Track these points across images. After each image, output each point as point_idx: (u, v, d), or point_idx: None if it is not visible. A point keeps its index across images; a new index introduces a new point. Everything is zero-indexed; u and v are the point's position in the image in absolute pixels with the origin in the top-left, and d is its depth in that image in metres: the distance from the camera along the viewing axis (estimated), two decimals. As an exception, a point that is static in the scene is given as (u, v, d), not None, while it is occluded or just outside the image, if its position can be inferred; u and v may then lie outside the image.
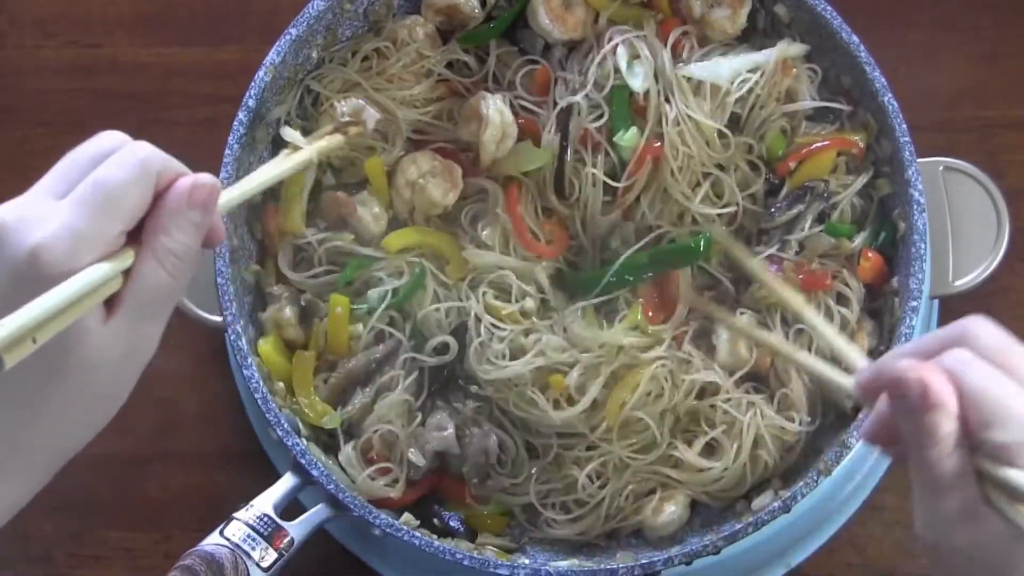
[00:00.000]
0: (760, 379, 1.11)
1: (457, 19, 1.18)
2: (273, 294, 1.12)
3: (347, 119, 1.08)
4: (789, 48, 1.13)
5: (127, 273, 0.70)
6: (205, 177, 0.73)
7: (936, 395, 0.67)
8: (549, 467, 1.13)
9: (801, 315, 1.03)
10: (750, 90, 1.12)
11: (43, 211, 0.68)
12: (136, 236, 0.71)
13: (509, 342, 1.11)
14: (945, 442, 0.68)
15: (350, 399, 1.11)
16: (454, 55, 1.19)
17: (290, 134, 1.01)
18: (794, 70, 1.14)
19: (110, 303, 0.70)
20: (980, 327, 0.71)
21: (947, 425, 0.67)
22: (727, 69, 1.12)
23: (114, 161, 0.70)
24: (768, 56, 1.13)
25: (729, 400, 1.09)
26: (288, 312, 1.11)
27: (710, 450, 1.10)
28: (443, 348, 1.12)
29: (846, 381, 0.81)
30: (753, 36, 1.17)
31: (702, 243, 1.11)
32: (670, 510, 1.08)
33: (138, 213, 0.70)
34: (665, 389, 1.10)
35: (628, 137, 1.11)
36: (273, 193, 1.13)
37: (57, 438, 0.73)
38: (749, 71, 1.12)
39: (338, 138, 1.04)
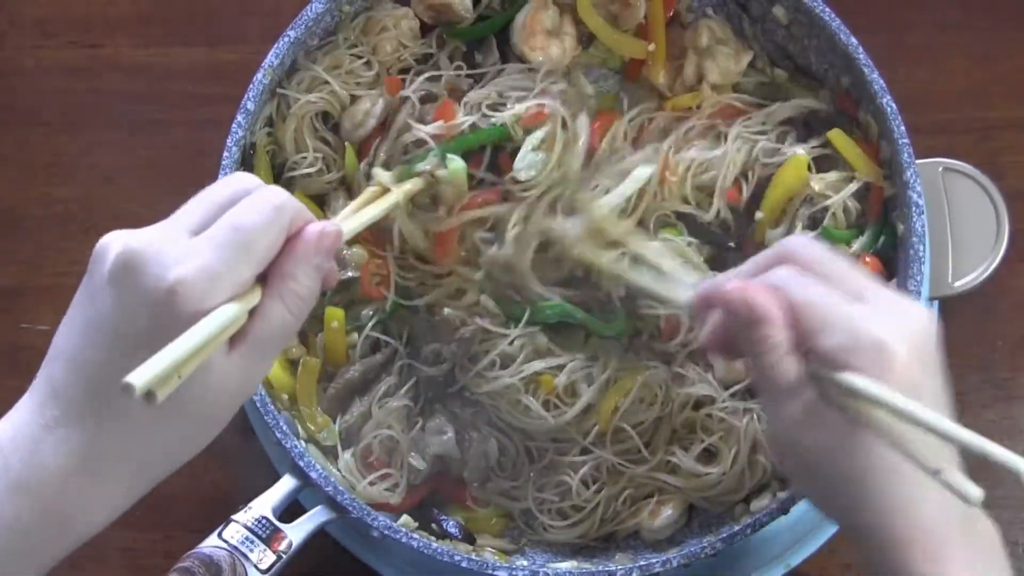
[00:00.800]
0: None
1: (446, 17, 1.18)
2: None
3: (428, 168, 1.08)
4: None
5: (252, 311, 0.74)
6: (331, 225, 0.77)
7: (760, 309, 0.75)
8: (544, 471, 1.13)
9: (634, 247, 1.05)
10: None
11: (182, 248, 0.71)
12: (262, 276, 0.75)
13: (497, 352, 1.11)
14: (777, 351, 0.75)
15: (348, 408, 1.12)
16: (428, 49, 1.19)
17: (381, 174, 1.04)
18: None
19: (233, 338, 0.74)
20: (801, 243, 0.80)
21: (776, 335, 0.75)
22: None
23: (250, 206, 0.73)
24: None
25: (725, 408, 1.09)
26: None
27: (708, 456, 1.10)
28: (437, 356, 1.12)
29: (679, 296, 0.91)
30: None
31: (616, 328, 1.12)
32: (666, 514, 1.09)
33: (270, 257, 0.74)
34: (659, 396, 1.10)
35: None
36: None
37: (164, 457, 0.77)
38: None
39: (420, 182, 1.07)
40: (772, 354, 0.75)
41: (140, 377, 0.64)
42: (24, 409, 0.75)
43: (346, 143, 1.16)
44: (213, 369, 0.72)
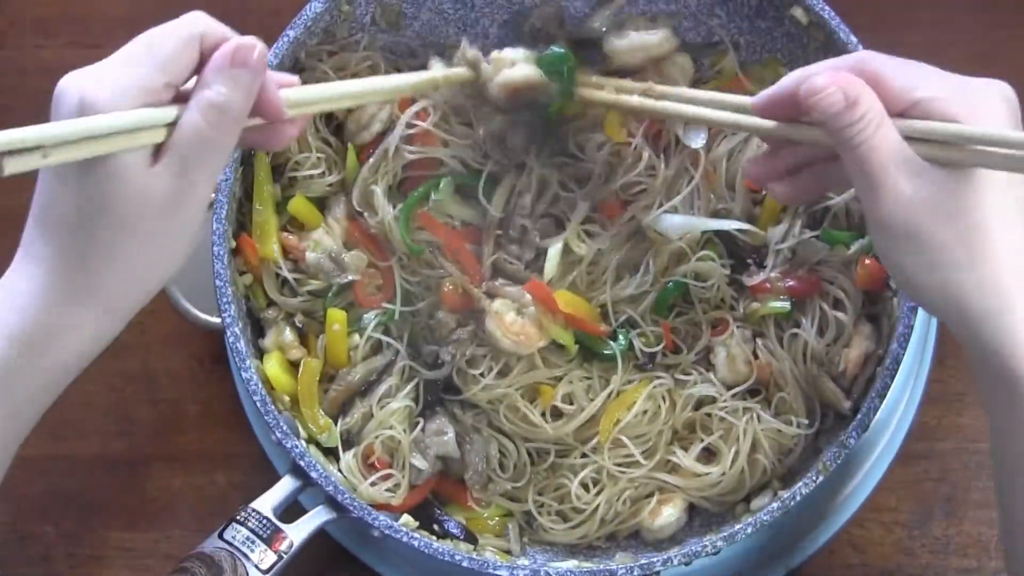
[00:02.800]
0: (757, 385, 1.12)
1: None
2: (268, 319, 1.13)
3: (464, 62, 1.09)
4: None
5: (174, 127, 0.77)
6: (249, 39, 0.79)
7: (855, 88, 0.78)
8: (545, 473, 1.13)
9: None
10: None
11: (99, 67, 0.76)
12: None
13: (492, 359, 1.12)
14: (876, 120, 0.78)
15: (349, 410, 1.12)
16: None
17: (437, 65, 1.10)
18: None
19: (155, 154, 0.77)
20: (871, 53, 0.83)
21: (875, 105, 0.78)
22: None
23: (164, 24, 0.78)
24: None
25: (725, 407, 1.10)
26: (288, 335, 1.12)
27: (708, 456, 1.10)
28: (436, 359, 1.12)
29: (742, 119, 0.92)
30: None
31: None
32: (667, 513, 1.09)
33: (181, 69, 0.78)
34: (662, 409, 1.10)
35: None
36: (244, 226, 1.13)
37: (118, 275, 0.79)
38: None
39: (469, 73, 1.08)
40: (870, 127, 0.77)
41: None
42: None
43: (348, 144, 1.16)
44: (130, 177, 0.75)
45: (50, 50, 1.41)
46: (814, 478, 1.00)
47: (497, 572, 0.99)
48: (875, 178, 0.78)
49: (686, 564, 1.00)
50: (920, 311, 1.04)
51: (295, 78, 0.86)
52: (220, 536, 0.96)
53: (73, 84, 0.75)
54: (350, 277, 1.12)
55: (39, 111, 1.35)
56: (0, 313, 0.78)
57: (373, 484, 1.08)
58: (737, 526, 1.00)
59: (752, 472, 1.08)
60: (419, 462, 1.10)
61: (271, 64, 1.09)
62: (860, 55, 0.82)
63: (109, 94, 0.74)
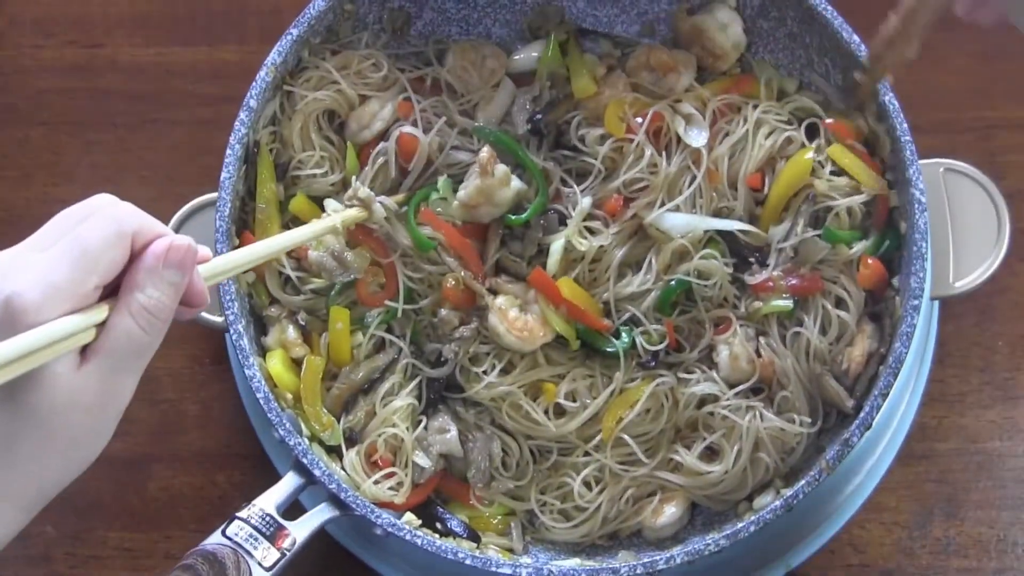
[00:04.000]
0: (759, 384, 1.12)
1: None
2: (271, 316, 1.13)
3: (356, 202, 1.09)
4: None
5: (103, 326, 0.74)
6: (181, 238, 0.76)
7: None
8: (547, 472, 1.13)
9: None
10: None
11: (24, 262, 0.71)
12: (115, 294, 0.75)
13: (495, 356, 1.12)
14: None
15: (353, 408, 1.12)
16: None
17: (332, 205, 1.08)
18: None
19: (85, 353, 0.73)
20: None
21: None
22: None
23: (94, 218, 0.73)
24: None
25: (728, 405, 1.10)
26: (292, 332, 1.11)
27: (710, 455, 1.10)
28: (439, 357, 1.12)
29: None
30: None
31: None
32: (669, 512, 1.09)
33: (113, 269, 0.73)
34: (665, 407, 1.10)
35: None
36: (246, 224, 1.13)
37: (34, 480, 0.75)
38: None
39: (362, 212, 1.08)
40: None
41: None
42: None
43: (348, 143, 1.16)
44: (58, 384, 0.72)
45: (50, 50, 1.41)
46: (817, 477, 1.00)
47: (500, 570, 0.99)
48: None
49: (689, 563, 1.00)
50: (922, 312, 1.04)
51: (206, 252, 0.80)
52: (223, 533, 0.95)
53: None
54: (352, 275, 1.11)
55: (39, 111, 1.37)
56: None
57: (376, 482, 1.08)
58: (739, 524, 1.00)
59: (754, 471, 1.08)
60: (422, 460, 1.10)
61: (275, 63, 1.10)
62: None
63: (40, 297, 0.70)
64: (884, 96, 1.07)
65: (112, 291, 0.74)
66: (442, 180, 1.13)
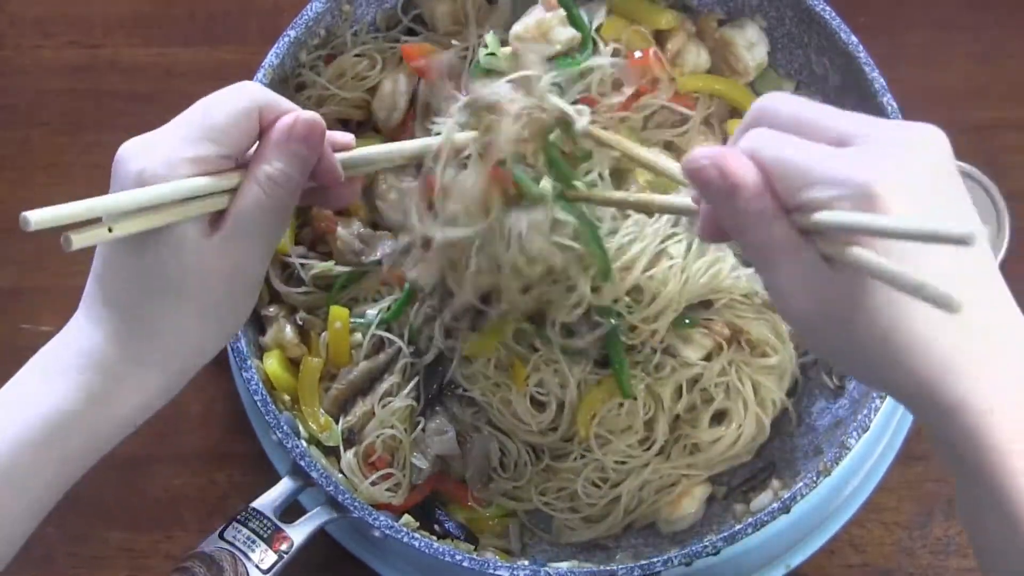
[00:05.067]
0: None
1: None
2: (269, 315, 1.13)
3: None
4: None
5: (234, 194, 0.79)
6: (308, 113, 0.80)
7: (734, 175, 0.66)
8: (544, 473, 1.13)
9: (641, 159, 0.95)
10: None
11: (155, 138, 0.77)
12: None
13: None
14: (762, 219, 0.67)
15: (351, 409, 1.12)
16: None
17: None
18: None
19: (215, 221, 0.78)
20: (773, 100, 0.71)
21: (755, 202, 0.67)
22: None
23: (223, 93, 0.79)
24: None
25: (712, 378, 1.10)
26: (289, 332, 1.12)
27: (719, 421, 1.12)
28: (429, 342, 1.12)
29: (680, 201, 0.84)
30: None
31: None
32: (688, 504, 1.09)
33: (239, 140, 0.78)
34: (640, 399, 1.10)
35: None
36: None
37: (172, 344, 0.80)
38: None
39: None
40: (757, 225, 0.67)
41: (36, 214, 0.67)
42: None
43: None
44: (187, 247, 0.76)
45: (50, 50, 1.41)
46: (815, 478, 1.00)
47: (497, 572, 0.99)
48: (763, 264, 0.70)
49: (686, 564, 1.00)
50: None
51: (350, 138, 0.86)
52: (221, 536, 0.96)
53: (130, 155, 0.76)
54: (378, 255, 1.12)
55: (39, 111, 1.37)
56: (64, 368, 0.78)
57: (374, 484, 1.08)
58: (737, 526, 1.00)
59: (766, 411, 1.10)
60: (419, 461, 1.10)
61: (272, 65, 1.10)
62: (753, 133, 0.70)
63: (167, 172, 0.74)
64: (883, 97, 1.07)
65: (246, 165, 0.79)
66: (490, 35, 1.12)
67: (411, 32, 1.21)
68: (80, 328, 0.79)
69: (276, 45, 1.10)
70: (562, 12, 1.11)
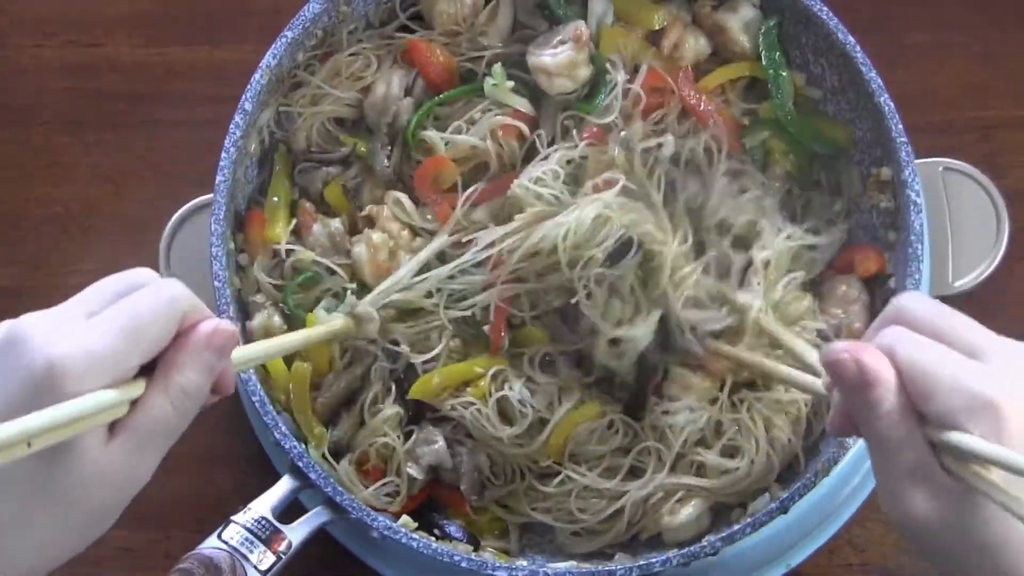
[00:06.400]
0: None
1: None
2: (256, 303, 1.13)
3: (355, 314, 1.08)
4: None
5: (135, 402, 0.73)
6: (226, 323, 0.76)
7: (871, 372, 0.71)
8: (533, 492, 1.12)
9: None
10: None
11: (69, 326, 0.70)
12: (148, 368, 0.73)
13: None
14: (890, 415, 0.71)
15: (338, 421, 1.12)
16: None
17: (323, 316, 1.07)
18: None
19: (113, 427, 0.72)
20: (912, 300, 0.75)
21: (888, 399, 0.71)
22: None
23: (146, 293, 0.73)
24: None
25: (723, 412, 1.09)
26: (277, 319, 1.12)
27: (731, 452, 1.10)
28: (395, 345, 1.12)
29: (811, 380, 0.88)
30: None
31: None
32: (686, 513, 1.07)
33: (157, 347, 0.73)
34: (619, 430, 1.10)
35: None
36: (259, 203, 1.14)
37: (42, 549, 0.73)
38: None
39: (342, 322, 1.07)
40: (885, 419, 0.71)
41: None
42: None
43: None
44: (85, 456, 0.70)
45: (50, 50, 1.41)
46: (812, 479, 1.00)
47: (495, 573, 0.99)
48: (883, 458, 0.74)
49: (685, 565, 1.00)
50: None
51: (233, 327, 0.79)
52: (219, 537, 0.96)
53: (41, 337, 0.69)
54: (338, 261, 1.12)
55: (39, 111, 1.37)
56: None
57: (370, 488, 1.08)
58: (736, 527, 1.00)
59: (777, 452, 1.08)
60: (415, 471, 1.09)
61: (269, 65, 1.10)
62: (891, 331, 0.74)
63: (83, 367, 0.68)
64: (880, 97, 1.07)
65: (146, 367, 0.73)
66: (496, 67, 1.13)
67: (405, 29, 1.20)
68: None
69: (273, 46, 1.10)
70: (587, 52, 1.12)
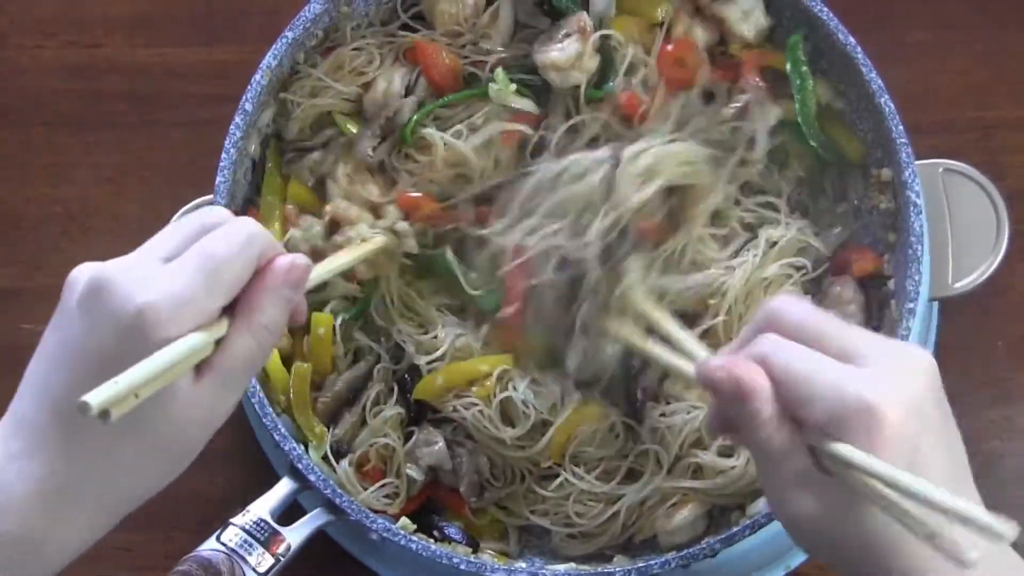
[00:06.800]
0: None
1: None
2: None
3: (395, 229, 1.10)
4: None
5: (219, 341, 0.74)
6: (302, 258, 0.77)
7: (747, 384, 0.71)
8: (532, 495, 1.12)
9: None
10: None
11: (152, 272, 0.71)
12: (230, 307, 0.75)
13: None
14: (768, 424, 0.72)
15: (339, 421, 1.12)
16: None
17: (362, 228, 1.08)
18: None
19: (199, 367, 0.73)
20: (783, 305, 0.75)
21: (765, 409, 0.71)
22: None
23: (222, 235, 0.74)
24: None
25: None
26: None
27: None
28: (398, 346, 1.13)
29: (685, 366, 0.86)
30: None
31: None
32: (681, 516, 1.07)
33: (238, 287, 0.74)
34: (620, 435, 1.10)
35: None
36: (254, 201, 1.14)
37: (128, 488, 0.76)
38: None
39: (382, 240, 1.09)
40: (763, 429, 0.72)
41: (97, 396, 0.65)
42: None
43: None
44: (177, 397, 0.72)
45: (50, 50, 1.41)
46: (812, 480, 0.99)
47: (494, 575, 0.99)
48: (763, 462, 0.75)
49: (684, 567, 1.00)
50: (921, 313, 1.04)
51: (308, 261, 0.81)
52: (217, 539, 0.96)
53: (127, 284, 0.70)
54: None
55: (39, 111, 1.37)
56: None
57: (370, 490, 1.08)
58: (735, 528, 1.00)
59: None
60: (414, 472, 1.09)
61: (270, 66, 1.10)
62: (763, 340, 0.74)
63: (170, 312, 0.70)
64: (880, 98, 1.07)
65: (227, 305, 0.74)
66: (499, 71, 1.13)
67: (407, 28, 1.20)
68: (17, 468, 0.73)
69: (274, 47, 1.10)
70: (592, 41, 1.12)
